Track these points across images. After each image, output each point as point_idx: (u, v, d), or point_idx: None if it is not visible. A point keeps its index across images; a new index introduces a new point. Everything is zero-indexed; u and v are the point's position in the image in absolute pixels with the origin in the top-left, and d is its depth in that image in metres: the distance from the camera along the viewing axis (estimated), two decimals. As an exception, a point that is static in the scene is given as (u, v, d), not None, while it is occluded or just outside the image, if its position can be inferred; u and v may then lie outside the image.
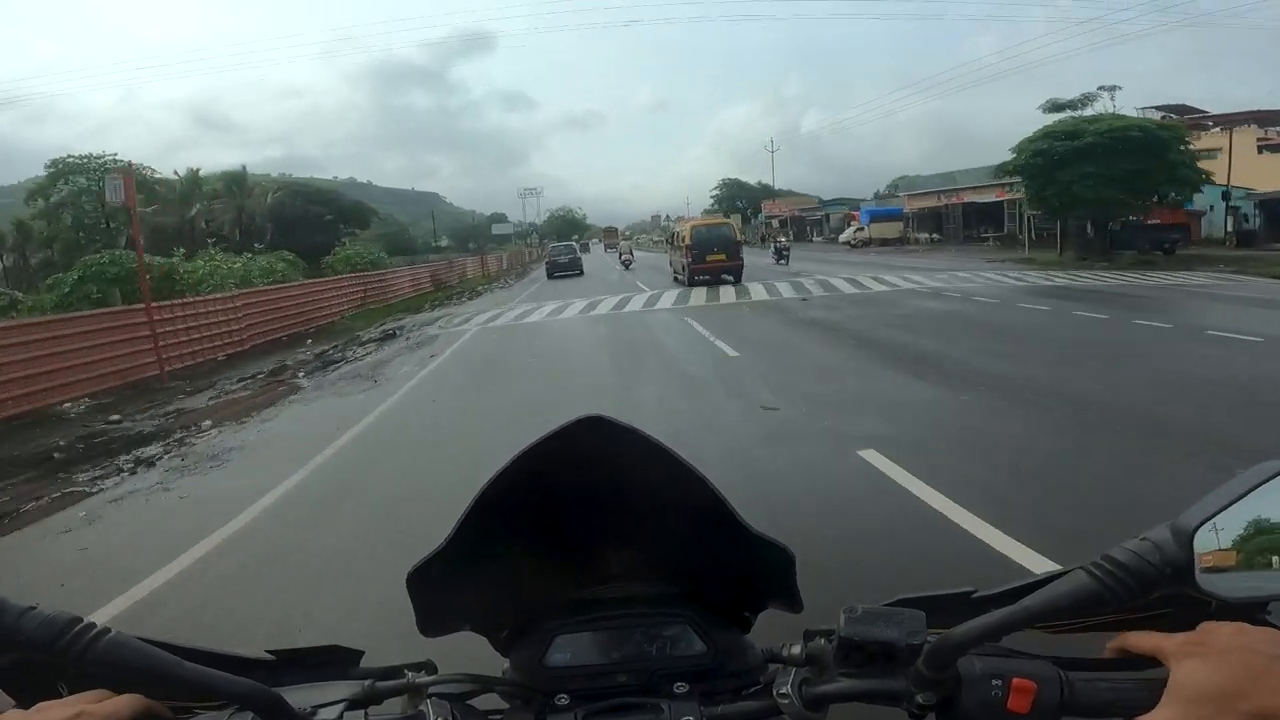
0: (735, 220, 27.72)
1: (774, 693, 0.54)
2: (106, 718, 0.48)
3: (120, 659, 0.47)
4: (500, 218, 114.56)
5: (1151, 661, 0.47)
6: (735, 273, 20.00)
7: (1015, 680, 0.48)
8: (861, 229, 39.82)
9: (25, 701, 0.50)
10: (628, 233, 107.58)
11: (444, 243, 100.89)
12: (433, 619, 0.58)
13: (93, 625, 0.47)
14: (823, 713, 0.52)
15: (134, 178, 11.78)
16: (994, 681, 0.48)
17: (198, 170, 39.38)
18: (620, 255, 37.68)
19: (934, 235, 37.74)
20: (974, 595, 0.56)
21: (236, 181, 41.10)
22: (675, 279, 22.70)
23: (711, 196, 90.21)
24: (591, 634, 0.61)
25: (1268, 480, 0.44)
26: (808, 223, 58.64)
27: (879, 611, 0.51)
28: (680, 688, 0.58)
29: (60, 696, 0.50)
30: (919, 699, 0.49)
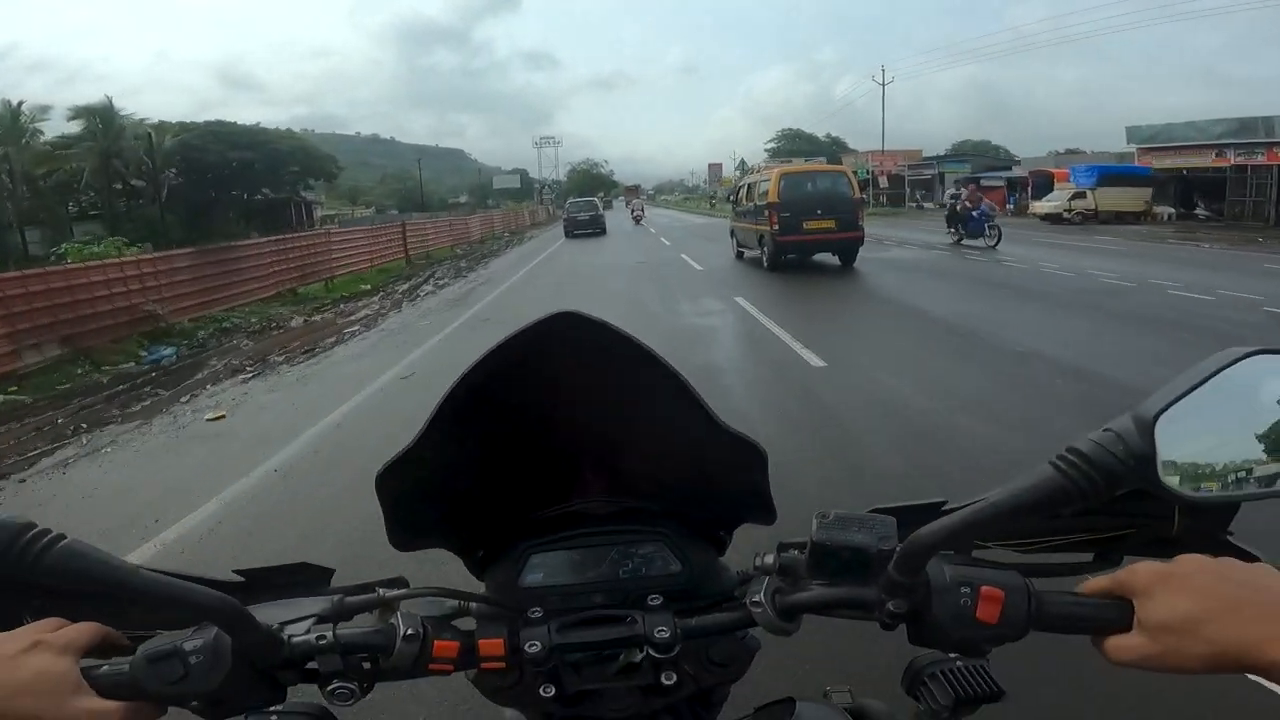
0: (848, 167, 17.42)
1: (747, 601, 0.52)
2: (65, 646, 0.46)
3: (75, 568, 0.44)
4: (522, 172, 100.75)
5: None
6: (848, 252, 12.69)
7: (984, 589, 0.47)
8: (1082, 194, 24.84)
9: None
10: (651, 191, 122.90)
11: (462, 199, 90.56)
12: (404, 530, 0.57)
13: (47, 532, 0.44)
14: (796, 623, 0.51)
15: None
16: (963, 589, 0.47)
17: (19, 104, 26.06)
18: (632, 212, 39.82)
19: (1201, 211, 22.96)
20: (945, 506, 0.55)
21: (103, 120, 27.89)
22: (739, 254, 15.22)
23: (766, 150, 75.27)
24: (566, 553, 0.60)
25: (1227, 367, 0.42)
26: (909, 183, 43.83)
27: (851, 517, 0.50)
28: (654, 600, 0.56)
29: (22, 625, 0.48)
30: (890, 606, 0.48)
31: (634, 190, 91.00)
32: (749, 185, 14.50)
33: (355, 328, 9.78)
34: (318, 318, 11.28)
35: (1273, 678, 0.40)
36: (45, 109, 27.21)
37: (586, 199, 34.89)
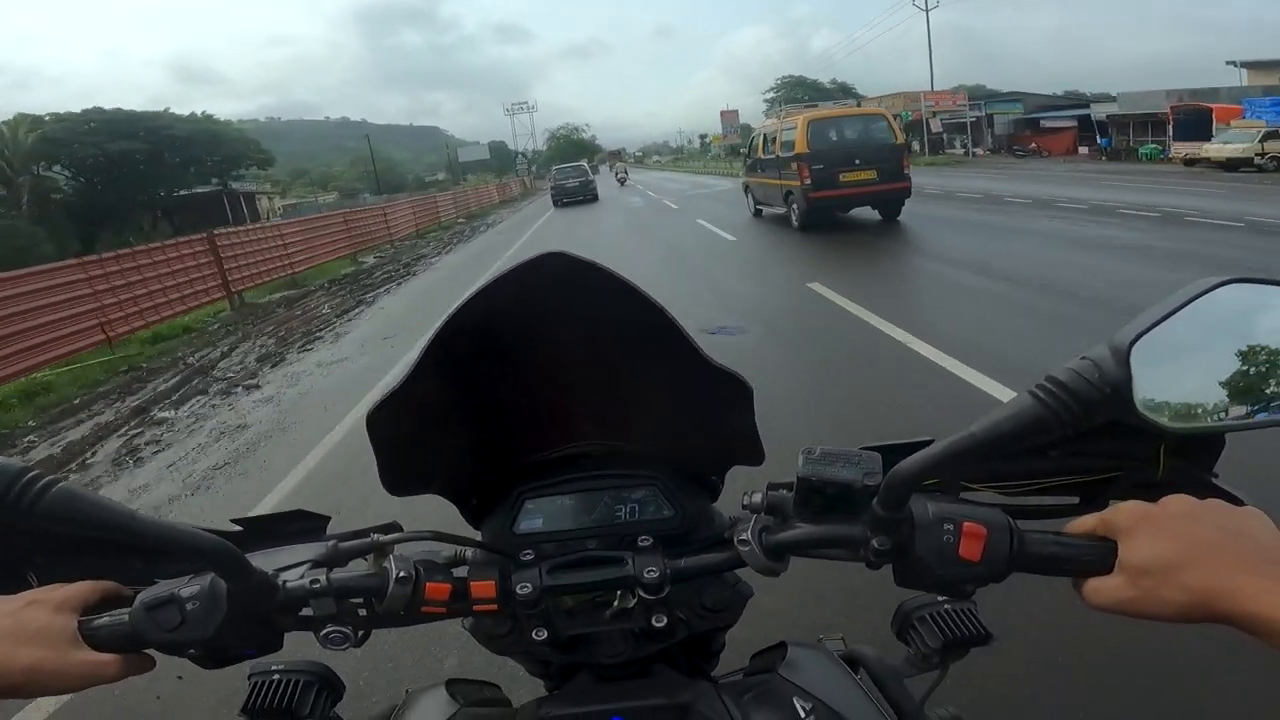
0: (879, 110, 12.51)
1: (734, 540, 0.51)
2: (61, 603, 0.48)
3: (70, 510, 0.44)
4: (499, 144, 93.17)
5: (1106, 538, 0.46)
6: (891, 205, 10.76)
7: (966, 525, 0.46)
8: (1276, 134, 18.47)
9: None
10: (639, 154, 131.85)
11: (440, 176, 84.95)
12: (398, 474, 0.56)
13: (42, 475, 0.44)
14: (784, 563, 0.51)
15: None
16: (946, 525, 0.46)
17: None
18: (616, 174, 41.24)
19: None
20: (932, 442, 0.54)
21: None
22: (758, 211, 13.40)
23: (766, 100, 67.79)
24: (560, 498, 0.60)
25: (1200, 295, 0.41)
26: (949, 127, 37.13)
27: (837, 453, 0.49)
28: (644, 540, 0.56)
29: (30, 588, 0.51)
30: (874, 544, 0.47)
31: (616, 154, 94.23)
32: (765, 136, 12.24)
33: None
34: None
35: (1245, 628, 0.39)
36: None
37: (573, 164, 30.28)
